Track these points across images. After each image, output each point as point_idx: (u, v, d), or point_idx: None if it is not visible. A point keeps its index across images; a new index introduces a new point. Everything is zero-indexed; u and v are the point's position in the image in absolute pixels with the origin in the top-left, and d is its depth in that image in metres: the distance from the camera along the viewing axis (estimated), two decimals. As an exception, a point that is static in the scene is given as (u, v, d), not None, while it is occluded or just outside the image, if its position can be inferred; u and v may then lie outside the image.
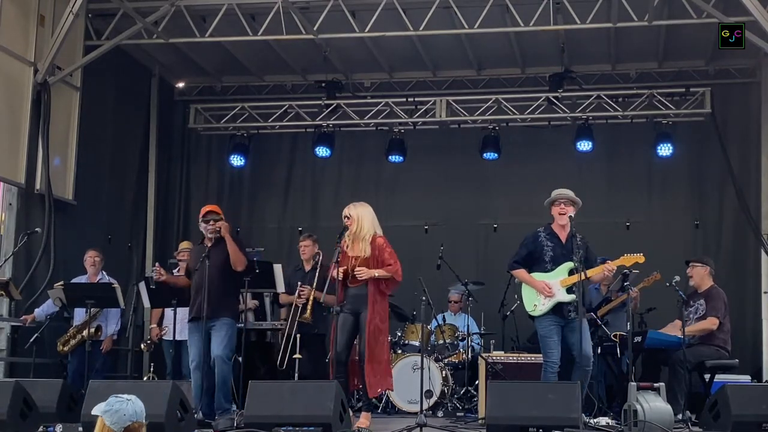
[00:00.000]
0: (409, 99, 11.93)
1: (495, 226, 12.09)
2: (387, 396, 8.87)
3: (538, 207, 11.13)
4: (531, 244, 7.46)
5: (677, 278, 7.99)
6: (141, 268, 11.71)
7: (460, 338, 9.63)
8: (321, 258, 8.61)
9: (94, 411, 4.16)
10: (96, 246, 9.63)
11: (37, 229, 9.19)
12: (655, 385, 6.82)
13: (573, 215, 7.38)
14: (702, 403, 7.55)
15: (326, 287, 7.30)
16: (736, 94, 11.59)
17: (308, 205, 12.68)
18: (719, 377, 8.35)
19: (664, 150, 11.41)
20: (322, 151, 12.10)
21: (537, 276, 7.36)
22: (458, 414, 8.69)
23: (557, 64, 11.62)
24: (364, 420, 7.15)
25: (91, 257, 9.32)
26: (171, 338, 8.86)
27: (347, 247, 7.30)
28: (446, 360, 9.32)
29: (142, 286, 9.04)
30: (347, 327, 7.29)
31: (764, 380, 9.81)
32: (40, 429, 6.63)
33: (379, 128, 12.17)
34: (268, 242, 11.61)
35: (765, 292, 10.49)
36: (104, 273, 9.39)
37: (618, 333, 8.58)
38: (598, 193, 11.40)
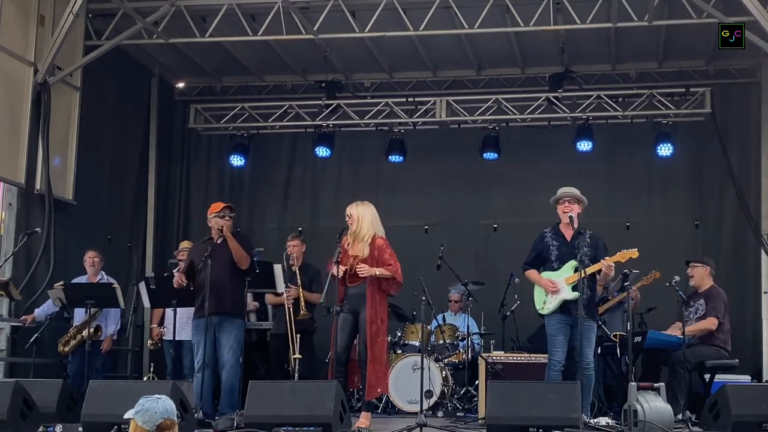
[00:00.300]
0: (409, 99, 11.93)
1: (495, 226, 12.09)
2: (387, 396, 8.88)
3: (538, 207, 11.20)
4: (538, 245, 7.60)
5: (677, 278, 8.00)
6: (141, 268, 11.71)
7: (460, 338, 9.63)
8: (294, 258, 8.71)
9: (126, 415, 4.22)
10: (96, 246, 9.64)
11: (37, 229, 9.19)
12: (655, 385, 6.82)
13: (578, 213, 7.44)
14: (702, 403, 7.55)
15: (326, 285, 7.31)
16: (736, 94, 11.59)
17: (308, 205, 12.68)
18: (719, 377, 8.36)
19: (664, 150, 11.41)
20: (322, 151, 12.10)
21: (545, 275, 7.47)
22: (458, 414, 8.69)
23: (557, 64, 11.62)
24: (363, 420, 7.15)
25: (90, 257, 9.33)
26: (171, 338, 8.86)
27: (348, 246, 7.30)
28: (446, 360, 9.32)
29: (142, 286, 9.05)
30: (347, 327, 7.30)
31: (764, 380, 9.80)
32: (40, 429, 6.64)
33: (379, 128, 12.17)
34: (268, 242, 11.57)
35: (765, 292, 10.48)
36: (104, 273, 9.40)
37: (618, 333, 8.59)
38: (598, 193, 11.38)
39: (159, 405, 4.20)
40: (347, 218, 7.35)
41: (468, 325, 9.62)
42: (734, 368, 8.55)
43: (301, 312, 8.34)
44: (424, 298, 8.24)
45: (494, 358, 8.69)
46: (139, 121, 12.03)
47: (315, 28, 10.15)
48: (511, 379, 8.15)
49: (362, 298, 7.24)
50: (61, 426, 6.68)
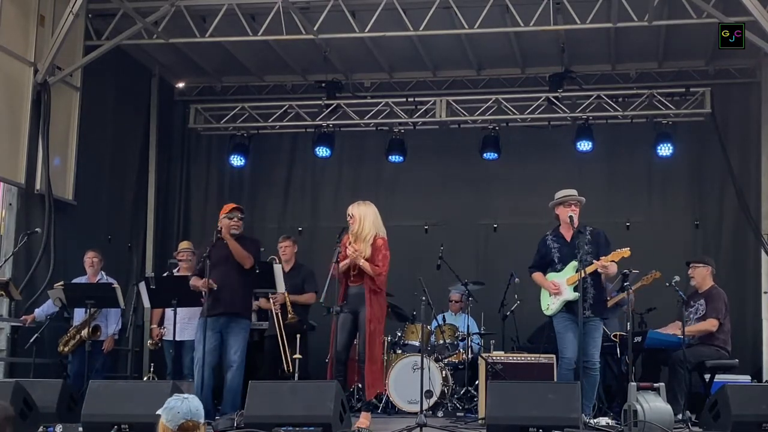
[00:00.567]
0: (409, 99, 11.93)
1: (495, 226, 12.09)
2: (387, 396, 8.88)
3: (538, 207, 11.13)
4: (541, 248, 7.69)
5: (677, 278, 8.00)
6: (141, 268, 11.70)
7: (460, 338, 9.63)
8: (295, 259, 8.71)
9: (158, 411, 4.20)
10: (95, 246, 9.64)
11: (37, 230, 9.19)
12: (655, 385, 6.82)
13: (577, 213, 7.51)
14: (702, 403, 7.55)
15: (326, 286, 7.31)
16: (736, 94, 11.59)
17: (308, 205, 12.68)
18: (719, 377, 8.36)
19: (664, 150, 11.41)
20: (322, 151, 12.10)
21: (550, 277, 7.56)
22: (458, 414, 8.68)
23: (557, 64, 11.62)
24: (363, 420, 7.15)
25: (90, 258, 9.33)
26: (171, 338, 8.86)
27: (349, 245, 7.29)
28: (446, 360, 9.31)
29: (142, 286, 9.05)
30: (347, 326, 7.30)
31: (764, 380, 9.80)
32: (40, 429, 6.63)
33: (379, 128, 12.17)
34: (268, 242, 11.54)
35: (765, 292, 10.49)
36: (103, 273, 9.41)
37: (618, 333, 8.59)
38: (598, 193, 11.39)
39: (183, 405, 4.16)
40: (348, 218, 7.34)
41: (468, 325, 9.62)
42: (734, 368, 8.55)
43: (289, 316, 8.36)
44: (424, 298, 8.24)
45: (494, 358, 8.68)
46: (139, 121, 12.03)
47: (315, 28, 10.15)
48: (511, 379, 8.15)
49: (362, 298, 7.24)
50: (61, 426, 6.68)
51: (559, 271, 7.49)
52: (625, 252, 7.41)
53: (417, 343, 9.32)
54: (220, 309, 7.50)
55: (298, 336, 8.29)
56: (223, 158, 12.64)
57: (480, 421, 7.95)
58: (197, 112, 12.42)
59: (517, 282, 9.71)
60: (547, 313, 7.55)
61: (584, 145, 11.54)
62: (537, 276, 7.66)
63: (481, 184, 12.22)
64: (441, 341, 9.57)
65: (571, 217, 7.42)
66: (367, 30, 10.13)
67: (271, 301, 8.60)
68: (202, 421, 4.18)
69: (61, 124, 10.06)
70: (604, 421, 7.30)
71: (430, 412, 8.62)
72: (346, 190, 12.21)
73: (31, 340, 8.74)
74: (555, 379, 7.89)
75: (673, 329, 8.38)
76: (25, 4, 9.54)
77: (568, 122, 11.75)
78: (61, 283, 8.96)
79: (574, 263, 7.32)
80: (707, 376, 8.39)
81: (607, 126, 11.80)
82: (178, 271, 9.22)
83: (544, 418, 6.36)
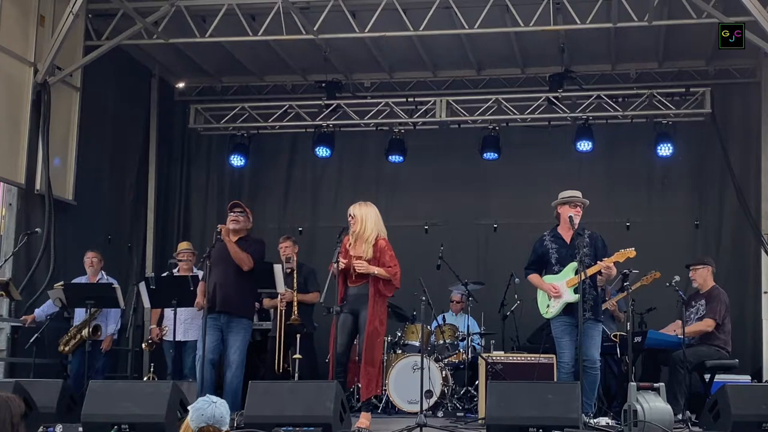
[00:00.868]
0: (409, 99, 11.92)
1: (495, 226, 12.09)
2: (387, 396, 8.88)
3: (538, 207, 11.17)
4: (538, 248, 7.62)
5: (677, 278, 8.00)
6: (141, 268, 11.71)
7: (460, 338, 9.63)
8: (295, 259, 8.69)
9: (189, 407, 4.22)
10: (95, 246, 9.65)
11: (37, 230, 9.19)
12: (655, 385, 6.81)
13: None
14: (702, 403, 7.55)
15: (326, 286, 7.31)
16: (736, 94, 11.59)
17: (308, 205, 12.68)
18: (719, 377, 8.36)
19: (664, 150, 11.41)
20: (322, 151, 12.10)
21: (547, 279, 7.49)
22: (458, 414, 8.68)
23: (557, 64, 11.61)
24: (363, 420, 7.15)
25: (89, 258, 9.33)
26: (171, 338, 8.87)
27: (349, 245, 7.29)
28: (446, 360, 9.31)
29: (142, 286, 9.05)
30: (347, 327, 7.29)
31: (764, 380, 9.80)
32: (40, 429, 6.63)
33: (379, 128, 12.17)
34: (268, 242, 11.52)
35: (765, 292, 10.48)
36: (104, 273, 9.41)
37: (618, 333, 8.59)
38: (598, 193, 11.36)
39: (209, 409, 4.16)
40: (350, 218, 7.33)
41: (468, 326, 9.62)
42: (734, 368, 8.55)
43: (293, 317, 8.35)
44: (424, 298, 8.24)
45: (494, 358, 8.68)
46: (139, 121, 12.03)
47: (315, 29, 10.15)
48: (511, 379, 8.14)
49: (363, 299, 7.23)
50: (61, 426, 6.68)
51: (557, 273, 7.42)
52: (631, 252, 7.39)
53: (417, 343, 9.32)
54: (219, 308, 7.50)
55: (298, 336, 8.29)
56: (223, 158, 12.63)
57: (480, 421, 7.95)
58: (197, 112, 12.42)
59: (517, 282, 9.72)
60: (547, 316, 7.48)
61: (584, 145, 11.53)
62: (534, 278, 7.59)
63: (481, 184, 12.22)
64: (441, 341, 9.58)
65: (570, 218, 7.39)
66: (367, 30, 10.13)
67: (279, 297, 8.57)
68: (224, 428, 4.16)
69: (61, 124, 10.06)
70: (604, 421, 7.30)
71: (430, 412, 8.62)
72: (346, 190, 12.21)
73: (31, 340, 8.74)
74: (555, 380, 7.88)
75: (672, 329, 8.38)
76: (25, 4, 9.54)
77: (568, 122, 11.75)
78: (61, 283, 8.97)
79: (573, 265, 7.27)
80: (707, 376, 8.39)
81: (607, 126, 11.80)
82: (177, 271, 9.22)
83: (544, 418, 6.36)
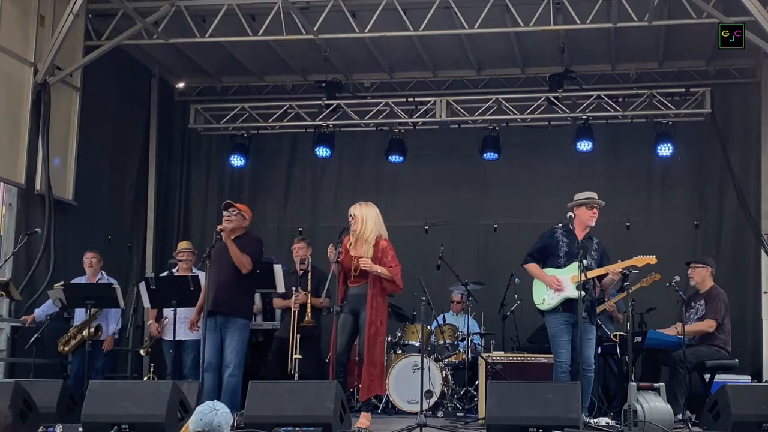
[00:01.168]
0: (409, 99, 11.92)
1: (495, 226, 12.09)
2: (387, 396, 8.88)
3: (538, 207, 11.22)
4: (547, 238, 7.56)
5: (677, 278, 8.00)
6: (141, 268, 11.71)
7: (460, 338, 9.63)
8: (310, 261, 8.67)
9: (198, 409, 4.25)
10: (95, 246, 9.64)
11: (37, 230, 9.18)
12: (655, 385, 6.81)
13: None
14: (702, 403, 7.55)
15: (326, 286, 7.31)
16: (736, 94, 11.59)
17: (308, 205, 12.68)
18: (719, 377, 8.36)
19: (664, 150, 11.41)
20: (322, 151, 12.10)
21: (549, 271, 7.44)
22: (458, 414, 8.68)
23: (557, 64, 11.61)
24: (363, 420, 7.15)
25: (89, 258, 9.32)
26: (171, 338, 8.86)
27: (350, 245, 7.29)
28: (446, 360, 9.31)
29: (142, 286, 9.04)
30: (347, 327, 7.28)
31: (764, 380, 9.80)
32: (40, 429, 6.63)
33: (379, 128, 12.17)
34: (268, 242, 11.53)
35: (765, 292, 10.48)
36: (104, 273, 9.40)
37: (618, 333, 8.59)
38: (598, 193, 11.28)
39: (208, 416, 4.19)
40: (350, 218, 7.32)
41: (468, 326, 9.62)
42: (734, 368, 8.55)
43: (306, 319, 8.32)
44: (424, 298, 8.23)
45: (494, 358, 8.68)
46: (139, 121, 12.03)
47: (315, 29, 10.15)
48: (511, 379, 8.15)
49: (363, 299, 7.22)
50: (61, 426, 6.68)
51: (562, 266, 7.38)
52: (651, 259, 7.39)
53: (417, 344, 9.32)
54: (216, 308, 7.49)
55: (299, 337, 8.28)
56: (223, 158, 12.63)
57: (480, 421, 7.95)
58: (197, 112, 12.41)
59: (517, 282, 9.72)
60: (542, 307, 7.42)
61: (584, 145, 11.53)
62: (534, 267, 7.50)
63: (481, 184, 12.22)
64: (441, 341, 9.58)
65: (570, 217, 7.41)
66: (367, 30, 10.13)
67: (293, 298, 8.54)
68: None
69: (61, 124, 10.06)
70: (604, 421, 7.30)
71: (430, 412, 8.62)
72: (346, 190, 12.22)
73: (31, 341, 8.73)
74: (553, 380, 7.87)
75: (673, 330, 8.37)
76: (25, 4, 9.54)
77: (568, 122, 11.75)
78: (61, 283, 8.96)
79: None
80: (707, 376, 8.39)
81: (607, 126, 11.80)
82: (177, 271, 9.22)
83: (544, 418, 6.36)
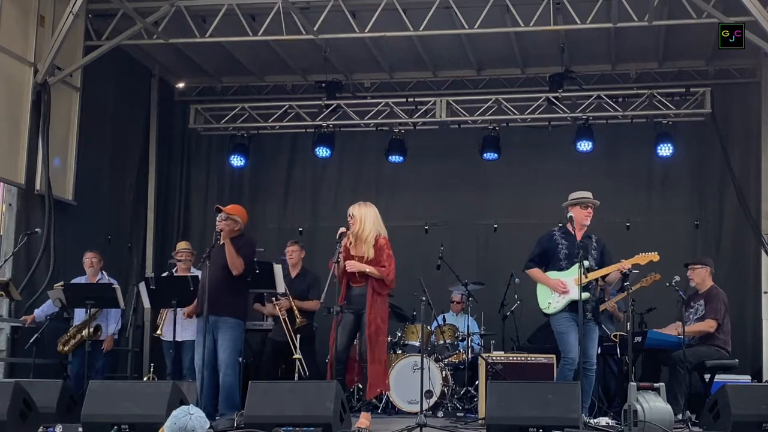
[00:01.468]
0: (409, 99, 11.92)
1: (495, 226, 12.08)
2: (387, 396, 8.88)
3: (538, 207, 11.21)
4: (545, 242, 7.57)
5: (677, 278, 8.00)
6: (141, 268, 11.71)
7: (460, 338, 9.63)
8: (299, 265, 8.71)
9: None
10: (95, 246, 9.65)
11: (37, 230, 9.18)
12: (655, 385, 6.82)
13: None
14: (702, 403, 7.56)
15: (326, 286, 7.30)
16: (736, 94, 11.59)
17: (308, 205, 12.68)
18: (719, 377, 8.36)
19: (664, 150, 11.41)
20: (322, 152, 12.10)
21: (552, 275, 7.44)
22: (458, 414, 8.69)
23: (557, 64, 11.61)
24: (363, 420, 7.15)
25: (89, 258, 9.33)
26: (171, 338, 8.86)
27: (350, 245, 7.29)
28: (446, 360, 9.32)
29: (142, 286, 9.03)
30: (348, 327, 7.29)
31: (764, 380, 9.80)
32: (40, 429, 6.64)
33: (379, 128, 12.17)
34: (268, 243, 11.58)
35: (765, 292, 10.48)
36: (104, 273, 9.40)
37: (618, 333, 8.59)
38: (598, 193, 11.15)
39: (182, 420, 4.19)
40: (349, 218, 7.33)
41: (468, 326, 9.62)
42: (734, 368, 8.55)
43: (297, 320, 8.34)
44: (424, 298, 8.24)
45: (494, 358, 8.68)
46: (139, 121, 12.03)
47: (315, 29, 10.15)
48: (511, 379, 8.15)
49: (365, 299, 7.22)
50: (60, 426, 6.68)
51: (564, 269, 7.39)
52: (654, 256, 7.38)
53: (417, 344, 9.32)
54: (200, 309, 7.48)
55: (298, 336, 8.29)
56: (223, 158, 12.63)
57: (480, 421, 7.96)
58: (197, 112, 12.41)
59: (517, 282, 9.72)
60: (548, 311, 7.43)
61: (584, 145, 11.53)
62: (536, 272, 7.51)
63: (481, 184, 12.22)
64: (441, 341, 9.58)
65: (571, 218, 7.42)
66: (367, 30, 10.13)
67: (277, 307, 8.59)
68: None
69: (61, 124, 10.06)
70: (604, 421, 7.31)
71: (430, 412, 8.63)
72: (346, 190, 12.21)
73: (31, 341, 8.73)
74: (555, 379, 7.88)
75: (672, 330, 8.38)
76: (25, 4, 9.54)
77: (568, 122, 11.75)
78: (61, 283, 8.96)
79: (583, 263, 7.25)
80: (707, 376, 8.39)
81: (607, 126, 11.80)
82: (176, 271, 9.22)
83: (544, 418, 6.36)
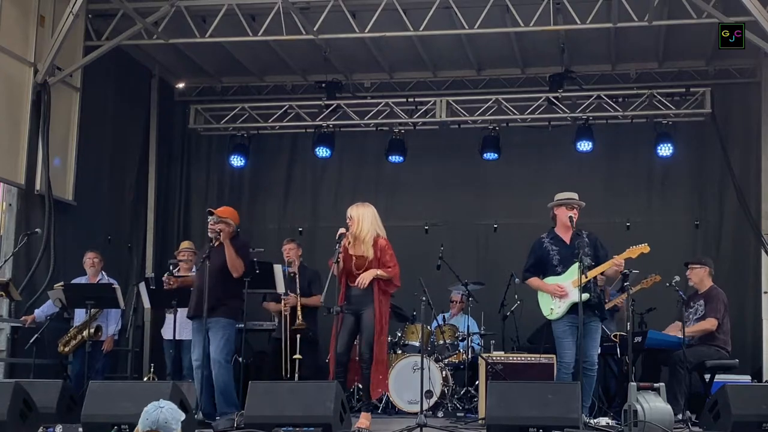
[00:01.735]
0: (409, 99, 11.92)
1: (495, 226, 12.08)
2: (387, 396, 8.88)
3: (538, 207, 11.10)
4: (537, 251, 7.58)
5: (677, 278, 8.00)
6: (141, 268, 11.71)
7: (460, 338, 9.63)
8: (299, 262, 8.68)
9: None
10: (95, 247, 9.65)
11: (37, 230, 9.17)
12: (655, 385, 6.82)
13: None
14: (702, 403, 7.56)
15: (326, 285, 7.31)
16: (736, 94, 11.59)
17: (308, 205, 12.68)
18: (719, 377, 8.36)
19: (664, 150, 11.41)
20: (322, 152, 12.10)
21: (549, 280, 7.45)
22: (458, 414, 8.68)
23: (557, 64, 11.62)
24: (363, 420, 7.15)
25: (90, 258, 9.33)
26: (171, 338, 8.87)
27: (349, 245, 7.30)
28: (446, 360, 9.31)
29: (142, 286, 9.05)
30: (348, 327, 7.29)
31: (764, 380, 9.80)
32: (40, 430, 6.63)
33: (379, 128, 12.17)
34: (268, 243, 11.58)
35: (765, 292, 10.48)
36: (104, 273, 9.41)
37: (618, 333, 8.59)
38: (598, 193, 11.39)
39: (154, 414, 4.19)
40: (348, 219, 7.34)
41: (468, 326, 9.62)
42: (734, 368, 8.55)
43: (297, 322, 8.32)
44: (424, 298, 8.24)
45: (494, 358, 8.68)
46: (139, 122, 12.02)
47: (315, 29, 10.15)
48: (511, 379, 8.15)
49: (365, 299, 7.23)
50: (61, 426, 6.68)
51: (560, 273, 7.40)
52: (644, 248, 7.38)
53: (417, 344, 9.32)
54: (199, 311, 7.47)
55: (298, 337, 8.29)
56: (223, 158, 12.63)
57: (480, 421, 7.96)
58: (197, 112, 12.42)
59: (517, 282, 9.70)
60: (552, 317, 7.42)
61: (584, 145, 11.53)
62: (534, 281, 7.54)
63: (481, 184, 12.22)
64: (441, 341, 9.58)
65: (570, 218, 7.41)
66: (367, 30, 10.13)
67: (283, 302, 8.57)
68: (174, 429, 4.20)
69: (61, 125, 10.06)
70: (604, 421, 7.31)
71: (430, 412, 8.63)
72: (346, 191, 12.21)
73: (31, 341, 8.74)
74: (555, 380, 7.88)
75: (674, 330, 8.38)
76: (25, 4, 9.54)
77: (568, 122, 11.75)
78: (61, 283, 8.96)
79: (577, 265, 7.26)
80: (707, 376, 8.40)
81: (607, 126, 11.80)
82: (177, 270, 9.21)
83: (544, 418, 6.36)
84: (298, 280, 8.66)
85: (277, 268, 8.29)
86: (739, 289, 10.77)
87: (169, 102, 12.66)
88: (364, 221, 7.27)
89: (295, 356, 8.18)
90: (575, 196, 7.60)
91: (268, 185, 12.80)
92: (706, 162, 11.71)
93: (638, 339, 8.17)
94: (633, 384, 6.71)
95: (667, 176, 11.84)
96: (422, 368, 7.68)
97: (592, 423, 7.05)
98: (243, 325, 8.10)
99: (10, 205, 9.58)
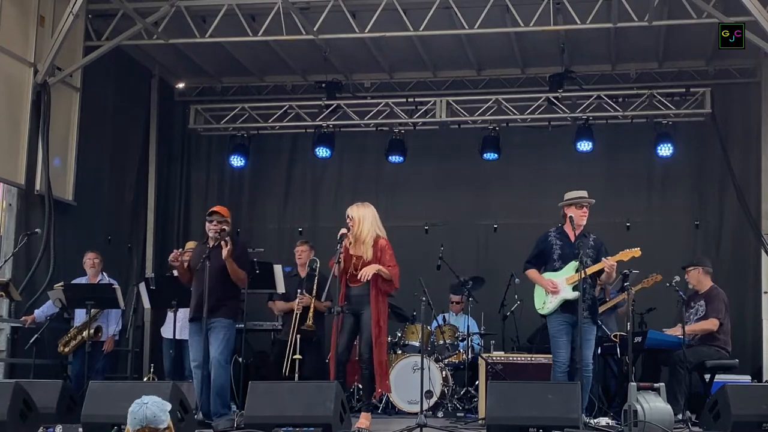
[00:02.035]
0: (409, 99, 11.92)
1: (495, 226, 12.09)
2: (387, 396, 8.87)
3: (538, 207, 11.20)
4: (541, 243, 7.60)
5: (677, 278, 8.01)
6: (141, 268, 11.71)
7: (460, 339, 9.63)
8: (318, 265, 8.66)
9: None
10: (95, 247, 9.65)
11: (36, 230, 9.18)
12: (655, 385, 6.82)
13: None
14: (702, 403, 7.56)
15: (327, 286, 7.30)
16: (736, 94, 11.59)
17: (308, 205, 12.68)
18: (719, 377, 8.37)
19: (664, 150, 11.41)
20: (322, 152, 12.10)
21: (547, 275, 7.47)
22: (458, 414, 8.69)
23: (557, 64, 11.62)
24: (363, 420, 7.15)
25: (90, 259, 9.33)
26: (171, 337, 8.86)
27: (350, 245, 7.30)
28: (446, 360, 9.32)
29: (142, 286, 9.05)
30: (348, 327, 7.29)
31: (764, 380, 9.80)
32: (40, 430, 6.63)
33: (379, 128, 12.17)
34: (268, 243, 11.59)
35: (765, 292, 10.48)
36: (104, 274, 9.40)
37: (618, 333, 8.59)
38: (598, 193, 11.24)
39: (140, 411, 4.18)
40: (348, 219, 7.34)
41: (468, 326, 9.62)
42: (734, 368, 8.55)
43: (307, 323, 8.31)
44: (424, 298, 8.24)
45: (494, 358, 8.68)
46: (139, 122, 12.02)
47: (315, 29, 10.15)
48: (511, 379, 8.15)
49: (364, 299, 7.23)
50: (61, 427, 6.68)
51: (558, 269, 7.42)
52: (635, 252, 7.39)
53: (417, 344, 9.32)
54: (199, 312, 7.47)
55: (298, 337, 8.28)
56: (223, 158, 12.63)
57: (480, 422, 7.96)
58: (197, 112, 12.41)
59: (517, 282, 9.71)
60: (543, 311, 7.47)
61: (584, 145, 11.53)
62: (533, 273, 7.56)
63: (481, 184, 12.22)
64: (441, 342, 9.58)
65: (571, 218, 7.42)
66: (367, 30, 10.13)
67: (297, 301, 8.55)
68: (162, 426, 4.19)
69: (61, 125, 10.06)
70: (604, 421, 7.31)
71: (430, 412, 8.63)
72: (346, 191, 12.21)
73: (31, 341, 8.74)
74: (550, 379, 7.87)
75: (676, 331, 8.36)
76: (25, 4, 9.54)
77: (568, 122, 11.75)
78: (61, 283, 8.96)
79: (574, 263, 7.27)
80: (707, 376, 8.40)
81: (607, 126, 11.80)
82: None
83: (544, 418, 6.37)
84: (303, 282, 8.63)
85: (277, 268, 8.29)
86: (739, 289, 10.77)
87: (169, 102, 12.66)
88: (365, 222, 7.27)
89: (295, 356, 8.18)
90: (584, 194, 7.59)
91: (268, 185, 12.80)
92: (706, 162, 11.71)
93: (638, 339, 8.17)
94: (633, 384, 6.71)
95: (667, 176, 11.84)
96: (422, 368, 7.68)
97: (592, 423, 7.05)
98: (243, 325, 8.11)
99: (10, 205, 9.58)
